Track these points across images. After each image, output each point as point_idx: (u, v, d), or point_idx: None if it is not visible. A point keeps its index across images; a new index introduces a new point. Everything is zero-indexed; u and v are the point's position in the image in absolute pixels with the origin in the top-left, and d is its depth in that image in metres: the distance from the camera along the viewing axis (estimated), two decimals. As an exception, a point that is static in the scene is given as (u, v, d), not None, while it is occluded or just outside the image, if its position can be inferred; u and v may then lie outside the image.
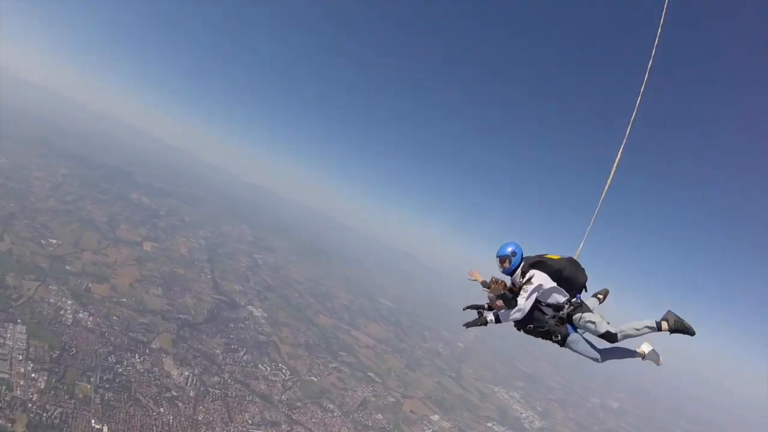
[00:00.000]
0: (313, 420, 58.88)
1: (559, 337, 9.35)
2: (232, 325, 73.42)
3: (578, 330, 9.47)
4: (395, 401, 75.13)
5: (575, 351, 9.57)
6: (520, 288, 9.33)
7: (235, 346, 67.06)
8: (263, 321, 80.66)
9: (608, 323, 9.11)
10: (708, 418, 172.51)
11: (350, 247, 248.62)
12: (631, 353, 9.35)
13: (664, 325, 8.94)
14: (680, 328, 8.84)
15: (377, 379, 79.75)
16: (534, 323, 9.47)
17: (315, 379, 69.43)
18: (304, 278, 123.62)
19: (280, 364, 68.35)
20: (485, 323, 9.41)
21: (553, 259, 9.55)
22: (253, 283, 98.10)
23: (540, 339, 9.77)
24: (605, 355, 9.44)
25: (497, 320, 9.36)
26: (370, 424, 64.49)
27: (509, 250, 9.90)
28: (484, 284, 10.34)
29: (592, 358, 9.48)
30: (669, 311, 9.17)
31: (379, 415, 68.06)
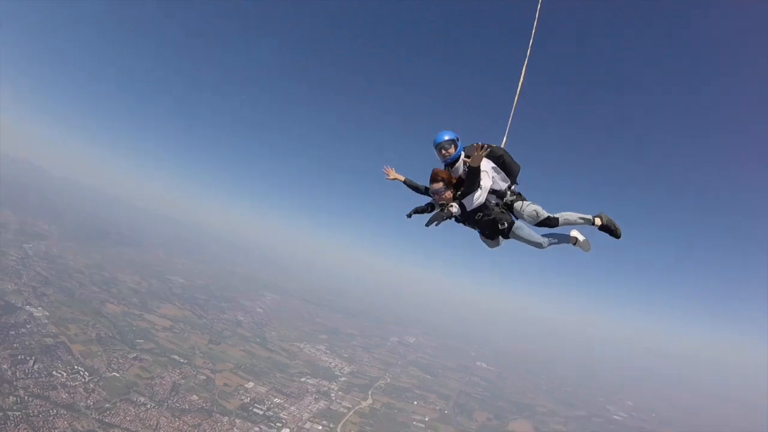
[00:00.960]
0: (128, 418, 59.73)
1: (506, 225, 10.01)
2: (13, 332, 68.47)
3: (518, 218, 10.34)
4: (206, 378, 78.85)
5: (520, 238, 10.32)
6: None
7: (23, 356, 63.37)
8: (46, 321, 76.21)
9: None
10: (499, 349, 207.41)
11: (130, 225, 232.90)
12: (566, 238, 10.66)
13: (597, 221, 10.34)
14: (610, 226, 10.29)
15: (183, 361, 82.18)
16: (483, 211, 9.94)
17: (117, 375, 69.42)
18: (84, 265, 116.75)
19: (76, 366, 66.70)
20: (451, 215, 9.55)
21: (493, 147, 10.03)
22: (27, 279, 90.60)
23: (480, 234, 10.53)
24: (545, 239, 10.52)
25: (462, 209, 9.70)
26: (187, 408, 67.24)
27: (449, 137, 9.96)
28: (408, 182, 11.22)
29: (535, 243, 10.44)
30: (602, 212, 10.49)
31: (194, 396, 71.13)
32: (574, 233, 10.58)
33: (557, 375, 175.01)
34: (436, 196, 9.87)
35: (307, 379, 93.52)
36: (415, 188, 11.15)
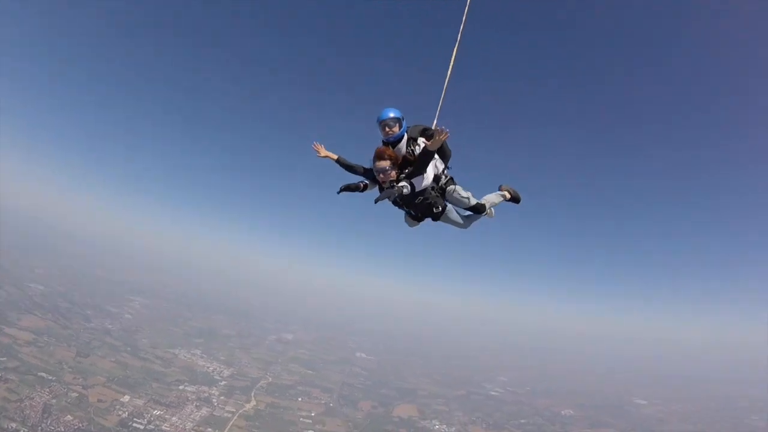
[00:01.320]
0: (1, 448, 56.87)
1: (440, 209, 10.35)
2: None
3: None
4: (79, 395, 76.06)
5: (448, 220, 10.77)
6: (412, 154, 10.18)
7: None
8: None
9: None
10: (376, 338, 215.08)
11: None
12: (481, 216, 11.41)
13: (507, 195, 11.66)
14: (515, 196, 11.67)
15: (51, 378, 78.33)
16: (422, 194, 10.03)
17: (-17, 401, 65.69)
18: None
19: (-65, 398, 62.52)
20: (401, 192, 9.54)
21: (431, 129, 10.11)
22: None
23: (406, 215, 10.82)
24: (467, 220, 11.24)
25: (412, 189, 9.74)
26: (62, 430, 65.18)
27: (394, 114, 10.02)
28: (341, 161, 10.90)
29: (461, 225, 11.04)
30: (503, 184, 11.90)
31: (69, 416, 68.69)
32: (488, 211, 11.48)
33: (434, 359, 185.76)
34: (382, 175, 9.79)
35: (185, 386, 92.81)
36: (350, 167, 10.85)
